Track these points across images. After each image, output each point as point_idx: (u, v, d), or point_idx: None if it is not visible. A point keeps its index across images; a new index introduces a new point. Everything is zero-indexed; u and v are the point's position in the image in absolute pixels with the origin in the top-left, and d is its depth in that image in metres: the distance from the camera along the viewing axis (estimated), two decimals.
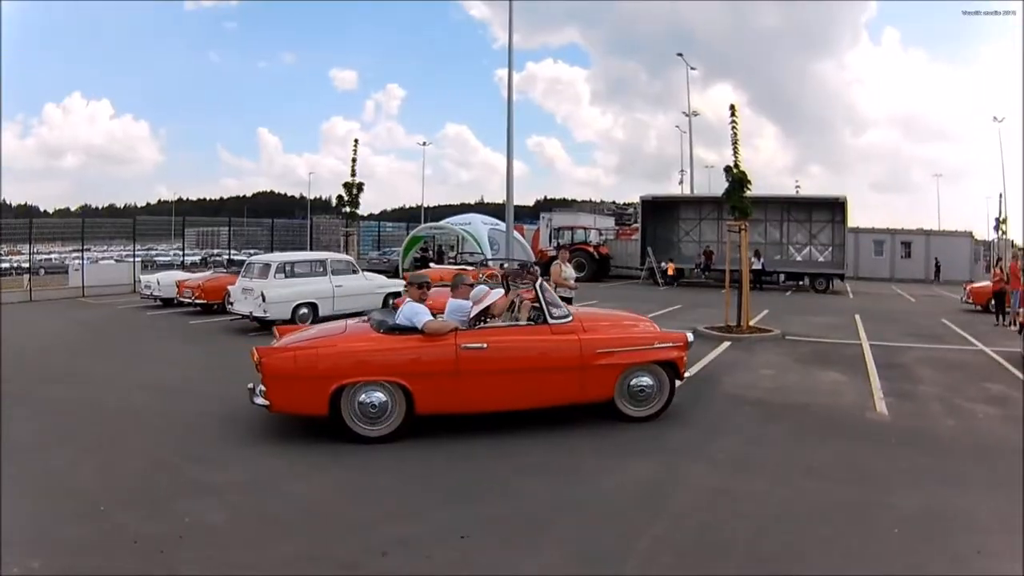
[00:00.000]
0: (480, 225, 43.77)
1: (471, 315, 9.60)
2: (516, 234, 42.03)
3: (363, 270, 23.40)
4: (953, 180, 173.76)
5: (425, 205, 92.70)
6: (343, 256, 23.83)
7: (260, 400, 8.92)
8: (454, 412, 9.41)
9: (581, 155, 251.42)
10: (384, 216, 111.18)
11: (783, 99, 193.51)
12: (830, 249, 42.12)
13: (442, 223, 49.42)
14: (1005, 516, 7.00)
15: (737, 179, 19.77)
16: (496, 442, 9.05)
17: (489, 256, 35.28)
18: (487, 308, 9.68)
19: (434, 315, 9.60)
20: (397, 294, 20.72)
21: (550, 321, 9.65)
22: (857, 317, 24.26)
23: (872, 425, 10.39)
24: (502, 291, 10.34)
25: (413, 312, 9.34)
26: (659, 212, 45.19)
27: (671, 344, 10.26)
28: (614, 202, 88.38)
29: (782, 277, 41.45)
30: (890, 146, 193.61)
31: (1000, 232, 56.77)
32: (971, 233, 59.19)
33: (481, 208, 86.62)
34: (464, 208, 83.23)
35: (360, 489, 7.54)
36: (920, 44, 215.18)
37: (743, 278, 19.87)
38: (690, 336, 10.59)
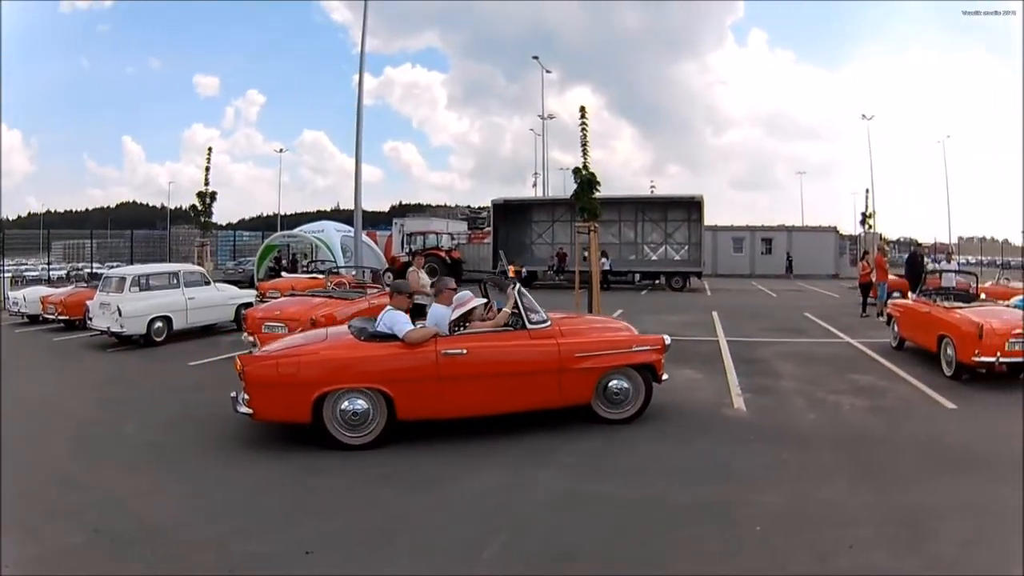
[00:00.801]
0: (333, 232, 42.69)
1: (451, 319, 9.72)
2: (368, 241, 41.92)
3: (218, 281, 23.20)
4: (820, 177, 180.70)
5: (282, 213, 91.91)
6: (195, 267, 23.34)
7: (243, 408, 9.11)
8: (435, 418, 9.51)
9: (437, 160, 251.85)
10: (242, 225, 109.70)
11: (642, 101, 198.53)
12: (686, 247, 42.99)
13: (295, 231, 48.37)
14: (875, 508, 7.06)
15: (586, 180, 19.85)
16: (343, 453, 8.92)
17: (341, 263, 34.76)
18: (467, 313, 9.94)
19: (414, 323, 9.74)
20: (249, 304, 20.38)
21: (528, 326, 9.84)
22: (715, 314, 24.41)
23: (730, 422, 10.37)
24: (479, 299, 10.50)
25: (394, 320, 9.50)
26: (511, 215, 45.40)
27: (649, 347, 10.40)
28: (468, 206, 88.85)
29: (637, 277, 41.95)
30: (753, 145, 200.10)
31: (867, 227, 58.80)
32: (836, 228, 61.44)
33: (337, 215, 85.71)
34: (320, 215, 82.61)
35: (214, 505, 7.41)
36: (788, 45, 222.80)
37: (592, 278, 19.81)
38: (667, 339, 10.69)
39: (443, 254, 44.26)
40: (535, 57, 65.69)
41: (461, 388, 9.38)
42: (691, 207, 42.08)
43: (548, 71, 68.13)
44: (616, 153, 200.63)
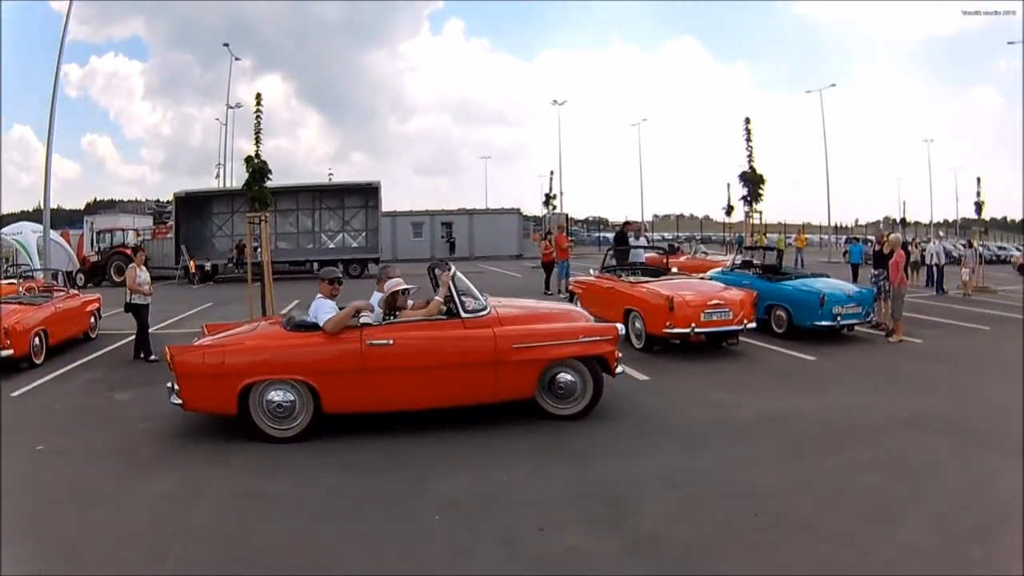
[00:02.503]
0: (29, 233, 39.80)
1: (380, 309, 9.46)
2: (61, 241, 40.01)
3: None
4: (509, 161, 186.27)
5: None
6: None
7: (175, 399, 8.95)
8: (363, 411, 9.23)
9: (130, 153, 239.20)
10: None
11: (330, 88, 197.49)
12: (364, 234, 43.07)
13: None
14: (568, 486, 7.02)
15: (258, 169, 19.24)
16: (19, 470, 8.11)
17: (37, 265, 32.45)
18: (392, 299, 9.46)
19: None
20: None
21: (463, 314, 9.35)
22: None
23: (401, 411, 9.76)
24: (401, 282, 9.90)
25: (318, 308, 9.24)
26: (193, 208, 43.91)
27: (599, 338, 9.75)
28: (158, 200, 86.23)
29: (316, 265, 40.62)
30: (440, 131, 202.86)
31: (551, 207, 60.55)
32: (519, 210, 63.32)
33: (40, 215, 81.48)
34: (23, 216, 77.67)
35: None
36: (483, 34, 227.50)
37: (265, 270, 19.17)
38: (621, 329, 10.16)
39: (128, 251, 42.45)
40: (226, 44, 63.70)
41: (388, 381, 9.00)
42: (368, 193, 42.39)
43: (237, 58, 66.35)
44: (302, 141, 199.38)
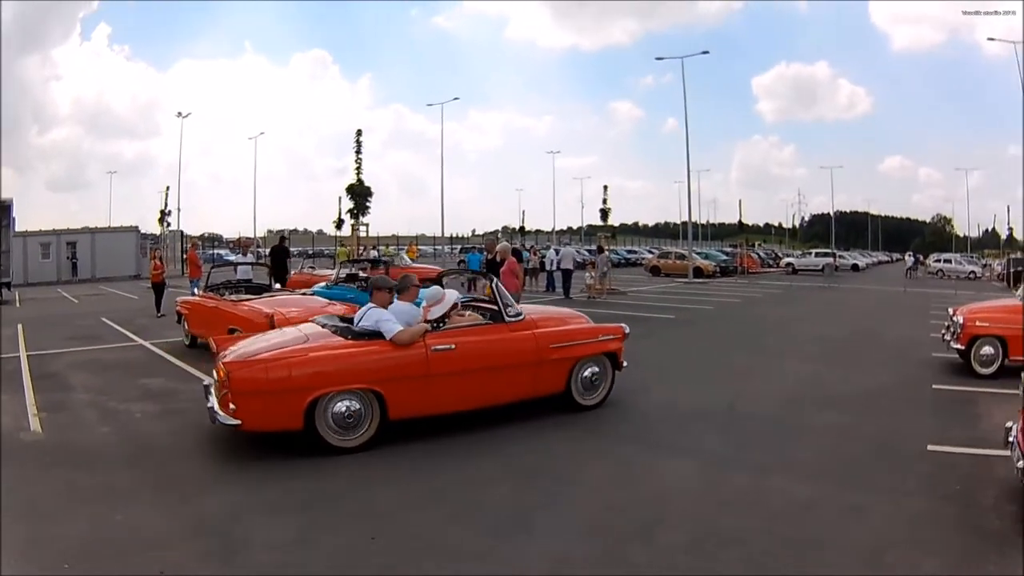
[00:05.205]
0: None
1: (431, 317, 9.27)
2: None
3: None
4: (135, 175, 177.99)
5: None
6: None
7: (227, 419, 7.99)
8: (425, 415, 8.98)
9: None
10: None
11: None
12: None
13: None
14: (179, 522, 6.49)
15: None
16: None
17: None
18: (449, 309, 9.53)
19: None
20: None
21: (506, 319, 9.60)
22: (20, 327, 21.78)
23: (28, 446, 8.97)
24: (456, 293, 10.21)
25: (379, 318, 8.76)
26: None
27: (612, 336, 10.48)
28: None
29: None
30: (72, 143, 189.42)
31: (166, 224, 58.21)
32: (137, 227, 59.57)
33: None
34: None
35: None
36: (126, 40, 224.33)
37: None
38: (626, 328, 10.76)
39: None
40: None
41: (450, 384, 8.96)
42: (2, 212, 37.80)
43: None
44: None
